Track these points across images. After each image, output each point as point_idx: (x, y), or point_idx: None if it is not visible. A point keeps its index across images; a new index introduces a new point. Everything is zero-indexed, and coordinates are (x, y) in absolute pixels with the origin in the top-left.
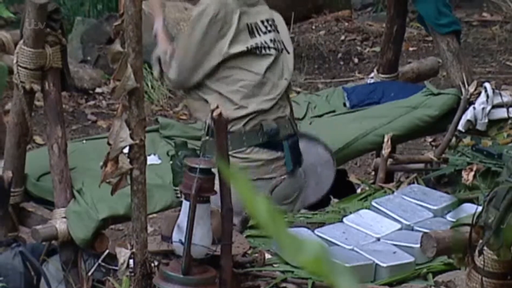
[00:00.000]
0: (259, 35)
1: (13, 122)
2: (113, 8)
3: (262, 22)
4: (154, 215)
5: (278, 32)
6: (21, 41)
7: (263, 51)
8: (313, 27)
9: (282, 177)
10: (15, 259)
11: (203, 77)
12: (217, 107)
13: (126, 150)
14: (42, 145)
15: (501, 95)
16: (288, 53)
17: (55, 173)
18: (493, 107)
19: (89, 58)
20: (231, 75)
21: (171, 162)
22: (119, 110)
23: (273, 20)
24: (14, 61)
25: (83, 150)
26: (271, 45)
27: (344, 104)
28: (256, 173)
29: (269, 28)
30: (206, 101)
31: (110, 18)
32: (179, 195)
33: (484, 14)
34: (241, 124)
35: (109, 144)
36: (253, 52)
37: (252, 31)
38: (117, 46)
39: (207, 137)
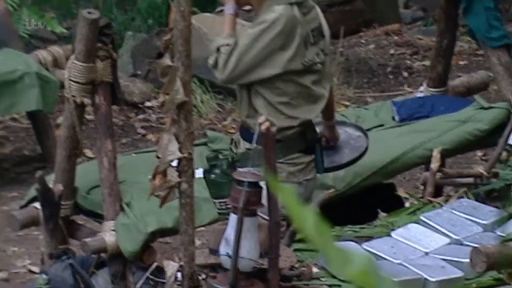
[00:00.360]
0: (310, 46)
1: (64, 135)
2: (164, 23)
3: (312, 31)
4: (202, 228)
5: (323, 37)
6: (73, 56)
7: (313, 67)
8: (363, 41)
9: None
10: (65, 272)
11: (255, 80)
12: (266, 120)
13: (174, 164)
14: (92, 159)
15: None
16: (326, 55)
17: (105, 186)
18: None
19: (139, 72)
20: (283, 87)
21: (206, 175)
22: (168, 123)
23: (320, 26)
24: (66, 76)
25: (132, 164)
26: (318, 59)
27: (393, 118)
28: (300, 176)
29: (316, 37)
30: (255, 109)
31: (160, 32)
32: (223, 207)
33: None
34: (289, 133)
35: (157, 157)
36: (306, 68)
37: (305, 43)
38: (166, 60)
39: (254, 145)
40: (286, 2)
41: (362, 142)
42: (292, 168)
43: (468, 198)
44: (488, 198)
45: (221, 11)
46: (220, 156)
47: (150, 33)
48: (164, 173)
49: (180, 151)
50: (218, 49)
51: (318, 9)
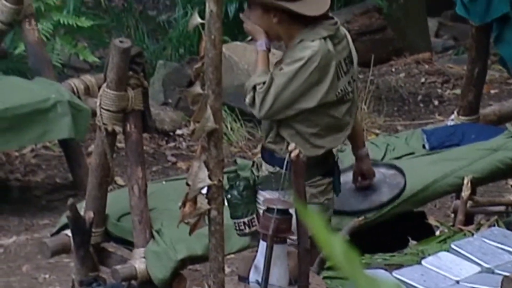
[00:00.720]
0: (342, 76)
1: (95, 163)
2: (195, 52)
3: (344, 60)
4: (232, 255)
5: (352, 64)
6: (105, 84)
7: (345, 97)
8: (393, 70)
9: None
10: None
11: (291, 116)
12: (295, 148)
13: (204, 191)
14: (123, 186)
15: None
16: (355, 82)
17: (135, 213)
18: None
19: (170, 100)
20: (315, 119)
21: (227, 196)
22: (198, 151)
23: (350, 53)
24: (98, 104)
25: (163, 191)
26: (349, 88)
27: (423, 146)
28: (321, 197)
29: (348, 65)
30: (282, 137)
31: (191, 61)
32: (237, 227)
33: None
34: (315, 159)
35: (187, 184)
36: (339, 99)
37: (338, 74)
38: (197, 88)
39: (284, 171)
40: (319, 36)
41: (399, 179)
42: (314, 190)
43: (499, 226)
44: None
45: (252, 39)
46: (240, 177)
47: (181, 62)
48: (194, 201)
49: (210, 178)
50: (254, 87)
51: (348, 37)
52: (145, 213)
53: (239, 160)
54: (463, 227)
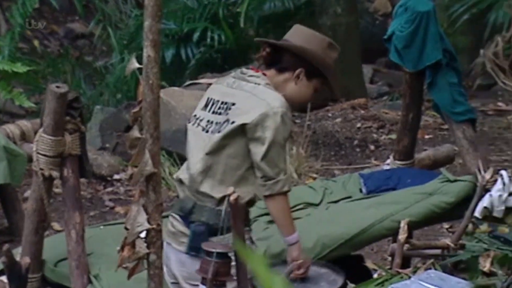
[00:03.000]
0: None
1: (32, 208)
2: (132, 97)
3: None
4: None
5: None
6: (41, 129)
7: None
8: (330, 115)
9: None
10: None
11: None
12: (233, 191)
13: (143, 235)
14: (60, 231)
15: None
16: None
17: (72, 258)
18: (510, 194)
19: (107, 145)
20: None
21: None
22: (136, 195)
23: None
24: (34, 149)
25: (100, 236)
26: None
27: (360, 190)
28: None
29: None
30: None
31: (128, 106)
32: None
33: (499, 103)
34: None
35: (126, 228)
36: None
37: None
38: (135, 132)
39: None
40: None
41: (336, 277)
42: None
43: (436, 269)
44: (455, 269)
45: (189, 85)
46: None
47: (118, 107)
48: (133, 245)
49: (149, 222)
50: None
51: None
52: (82, 258)
53: None
54: (400, 270)
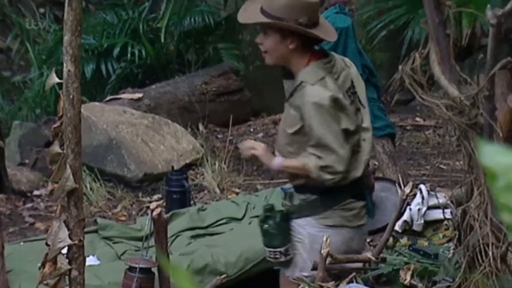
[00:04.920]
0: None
1: None
2: (51, 112)
3: (347, 91)
4: None
5: (356, 93)
6: None
7: (358, 126)
8: (251, 130)
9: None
10: None
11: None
12: (156, 206)
13: (64, 251)
14: None
15: (436, 197)
16: (364, 108)
17: None
18: (429, 208)
19: (27, 161)
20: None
21: (260, 224)
22: (58, 210)
23: (352, 83)
24: None
25: (20, 252)
26: (357, 117)
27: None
28: (354, 221)
29: (352, 96)
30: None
31: (48, 121)
32: (271, 256)
33: (418, 118)
34: (343, 184)
35: (47, 244)
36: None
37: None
38: (56, 148)
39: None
40: (318, 78)
41: (393, 199)
42: (346, 213)
43: (358, 282)
44: (377, 283)
45: (110, 100)
46: (276, 208)
47: (37, 122)
48: (54, 261)
49: (71, 238)
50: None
51: (350, 67)
52: (2, 276)
53: (99, 220)
54: (323, 284)
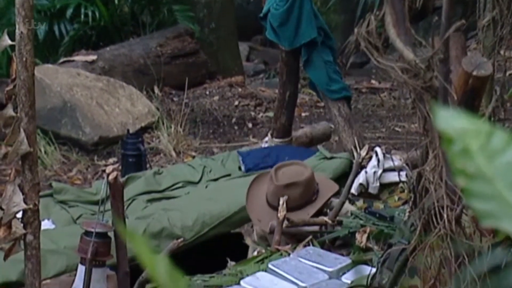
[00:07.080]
0: None
1: None
2: (3, 74)
3: None
4: (48, 280)
5: None
6: None
7: None
8: (207, 93)
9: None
10: None
11: None
12: (112, 170)
13: (19, 215)
14: None
15: (392, 159)
16: None
17: None
18: (384, 171)
19: None
20: None
21: None
22: (12, 174)
23: None
24: None
25: None
26: None
27: (239, 168)
28: None
29: None
30: None
31: (1, 84)
32: None
33: (373, 81)
34: None
35: (1, 209)
36: None
37: None
38: (9, 111)
39: None
40: None
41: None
42: None
43: (314, 246)
44: (333, 246)
45: (63, 62)
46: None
47: None
48: (9, 225)
49: (25, 202)
50: None
51: None
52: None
53: (54, 184)
54: (279, 247)
